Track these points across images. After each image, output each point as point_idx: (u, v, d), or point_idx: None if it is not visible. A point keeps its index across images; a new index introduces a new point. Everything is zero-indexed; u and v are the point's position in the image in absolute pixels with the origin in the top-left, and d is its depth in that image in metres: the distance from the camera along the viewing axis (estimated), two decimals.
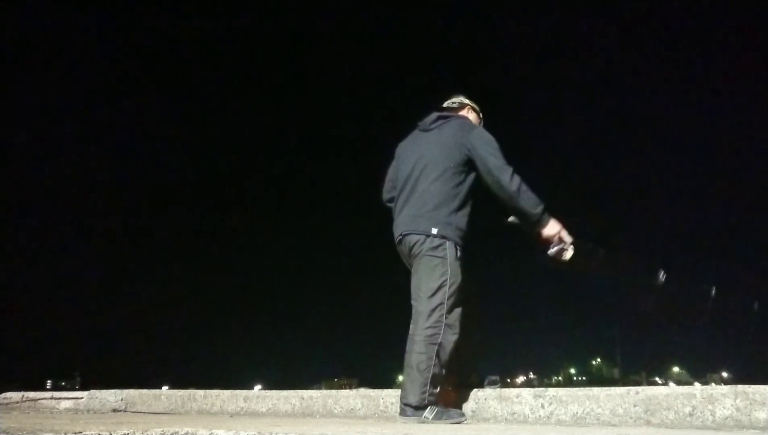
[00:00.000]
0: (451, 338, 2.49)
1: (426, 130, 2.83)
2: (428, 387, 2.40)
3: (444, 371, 2.47)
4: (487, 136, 2.70)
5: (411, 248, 2.62)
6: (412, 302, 2.59)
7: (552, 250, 2.62)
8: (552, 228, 2.63)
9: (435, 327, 2.45)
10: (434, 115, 2.86)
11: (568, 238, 2.64)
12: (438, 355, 2.43)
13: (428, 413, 2.38)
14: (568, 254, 2.62)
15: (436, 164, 2.66)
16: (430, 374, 2.41)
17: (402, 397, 2.47)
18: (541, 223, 2.62)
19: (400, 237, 2.67)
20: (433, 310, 2.48)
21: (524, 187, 2.56)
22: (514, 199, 2.56)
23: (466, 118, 2.88)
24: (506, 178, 2.54)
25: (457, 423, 2.39)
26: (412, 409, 2.41)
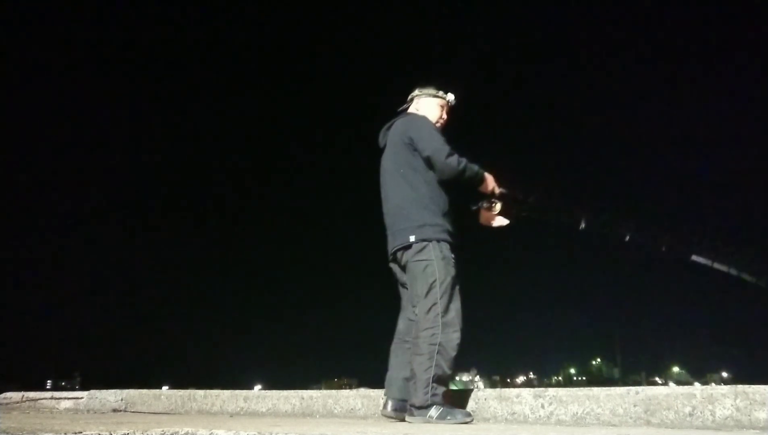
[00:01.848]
0: (452, 336, 2.48)
1: (383, 148, 2.92)
2: (430, 387, 2.40)
3: (448, 370, 2.47)
4: (420, 123, 2.75)
5: (401, 262, 2.68)
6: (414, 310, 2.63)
7: (481, 204, 2.84)
8: (488, 185, 2.79)
9: (432, 328, 2.47)
10: (382, 130, 2.94)
11: (498, 191, 2.82)
12: (439, 353, 2.44)
13: (433, 412, 2.39)
14: (497, 207, 2.82)
15: (393, 174, 2.75)
16: (431, 375, 2.41)
17: (408, 399, 2.50)
18: (481, 183, 2.78)
19: (392, 256, 2.74)
20: (428, 310, 2.49)
21: (463, 164, 2.66)
22: (459, 177, 2.67)
23: (410, 115, 2.89)
24: (448, 162, 2.63)
25: (461, 424, 2.38)
26: (416, 409, 2.43)
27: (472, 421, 2.43)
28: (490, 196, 2.81)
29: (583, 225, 2.85)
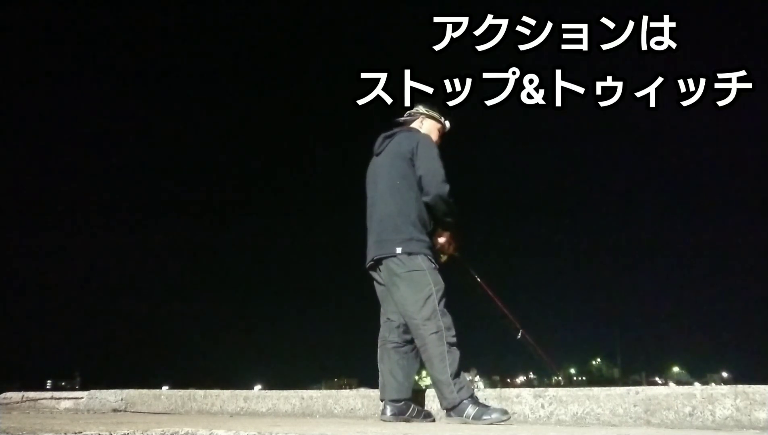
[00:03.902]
0: (452, 339, 2.51)
1: (378, 155, 2.92)
2: (453, 386, 2.43)
3: (460, 366, 2.49)
4: (427, 142, 2.78)
5: (386, 271, 2.69)
6: (407, 321, 2.62)
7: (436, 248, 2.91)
8: (442, 238, 2.85)
9: (437, 332, 2.49)
10: (380, 137, 2.94)
11: (448, 247, 2.89)
12: (449, 352, 2.47)
13: (470, 410, 2.40)
14: (443, 259, 2.89)
15: (388, 184, 2.76)
16: (449, 374, 2.44)
17: (441, 406, 2.55)
18: (449, 228, 2.85)
19: (372, 262, 2.75)
20: (428, 319, 2.52)
21: (453, 199, 2.70)
22: (444, 206, 2.69)
23: (414, 130, 2.92)
24: (443, 186, 2.66)
25: (496, 423, 2.36)
26: (451, 410, 2.46)
27: (509, 419, 2.42)
28: (441, 249, 2.87)
29: (519, 336, 3.02)
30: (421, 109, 3.02)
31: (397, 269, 2.62)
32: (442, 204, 2.68)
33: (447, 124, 3.04)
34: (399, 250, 2.62)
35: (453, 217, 2.78)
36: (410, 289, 2.58)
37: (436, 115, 3.01)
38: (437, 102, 3.06)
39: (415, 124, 2.98)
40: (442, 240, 2.85)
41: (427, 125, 2.98)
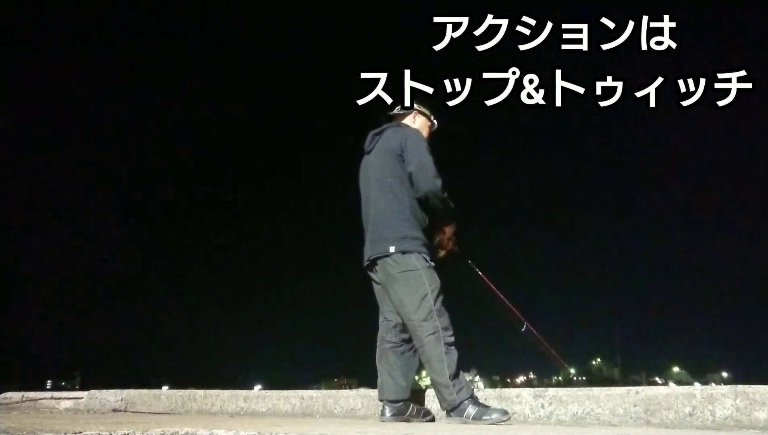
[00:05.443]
0: (450, 340, 2.51)
1: (368, 153, 2.90)
2: (453, 387, 2.42)
3: (459, 366, 2.47)
4: (415, 137, 2.74)
5: (381, 271, 2.67)
6: (405, 321, 2.61)
7: (436, 242, 2.86)
8: (442, 233, 2.82)
9: (434, 333, 2.49)
10: (370, 134, 2.92)
11: (447, 243, 2.84)
12: (447, 354, 2.46)
13: (470, 410, 2.40)
14: (441, 254, 2.85)
15: (379, 182, 2.74)
16: (448, 375, 2.43)
17: (441, 407, 2.55)
18: (448, 222, 2.80)
19: (368, 262, 2.74)
20: (425, 320, 2.50)
21: (446, 192, 2.66)
22: (437, 202, 2.65)
23: (403, 125, 2.90)
24: (435, 181, 2.62)
25: (496, 423, 2.36)
26: (451, 411, 2.46)
27: (509, 419, 2.41)
28: (439, 245, 2.83)
29: (524, 328, 3.01)
30: (414, 105, 3.00)
31: (392, 270, 2.60)
32: (435, 199, 2.64)
33: (436, 122, 3.03)
34: (392, 248, 2.60)
35: (447, 213, 2.73)
36: (405, 290, 2.56)
37: (427, 112, 3.00)
38: (427, 100, 3.04)
39: (407, 120, 2.97)
40: (442, 236, 2.82)
41: (419, 121, 2.97)
